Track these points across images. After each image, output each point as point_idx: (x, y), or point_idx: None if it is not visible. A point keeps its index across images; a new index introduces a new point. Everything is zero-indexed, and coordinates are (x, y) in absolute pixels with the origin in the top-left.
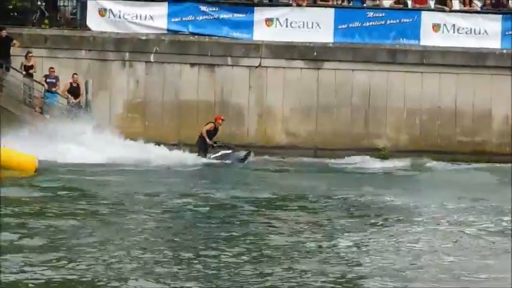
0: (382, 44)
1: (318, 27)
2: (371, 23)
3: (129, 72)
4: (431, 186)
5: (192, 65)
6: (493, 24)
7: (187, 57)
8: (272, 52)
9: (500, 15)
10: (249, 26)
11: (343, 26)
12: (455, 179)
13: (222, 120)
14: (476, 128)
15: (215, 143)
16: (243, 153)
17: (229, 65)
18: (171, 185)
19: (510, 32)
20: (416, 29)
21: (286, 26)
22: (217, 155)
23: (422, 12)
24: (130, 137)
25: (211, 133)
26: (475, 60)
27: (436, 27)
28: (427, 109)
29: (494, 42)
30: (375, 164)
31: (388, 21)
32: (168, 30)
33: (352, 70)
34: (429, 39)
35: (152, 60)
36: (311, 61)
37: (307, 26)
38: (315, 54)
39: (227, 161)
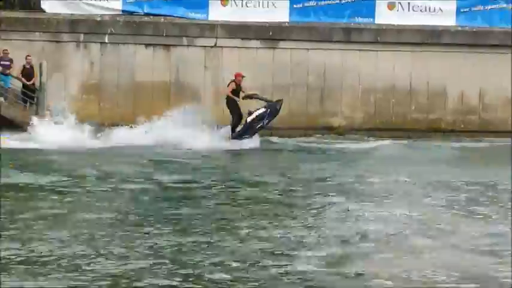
0: (337, 23)
1: (274, 6)
2: (326, 2)
3: (84, 53)
4: (383, 163)
5: (147, 45)
6: (448, 1)
7: (142, 37)
8: (227, 32)
9: None
10: (204, 6)
11: (298, 5)
12: (408, 155)
13: (242, 76)
14: (431, 106)
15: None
16: (276, 104)
17: (184, 45)
18: None
19: (465, 9)
20: (371, 7)
21: (242, 6)
22: (253, 117)
23: None
24: (85, 118)
25: (236, 92)
26: (429, 38)
27: (390, 5)
28: (382, 87)
29: (449, 20)
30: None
31: (343, 0)
32: (123, 11)
33: (308, 49)
34: (384, 17)
35: (107, 41)
36: (267, 41)
37: (262, 5)
38: (271, 33)
39: (264, 122)
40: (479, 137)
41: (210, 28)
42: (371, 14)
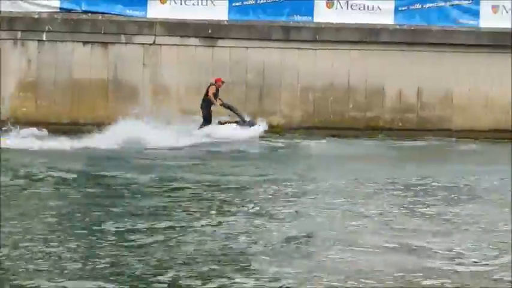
0: (276, 22)
1: (213, 4)
2: (265, 0)
3: (21, 51)
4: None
5: (85, 43)
6: (386, 0)
7: (80, 35)
8: (166, 30)
9: None
10: (142, 3)
11: (237, 4)
12: (343, 152)
13: (222, 82)
14: (369, 104)
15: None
16: (248, 123)
17: (122, 43)
18: None
19: (403, 8)
20: (309, 5)
21: (181, 4)
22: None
23: None
24: (22, 116)
25: (216, 95)
26: (368, 36)
27: (329, 3)
28: (320, 86)
29: (387, 18)
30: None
31: None
32: (60, 8)
33: (247, 48)
34: (323, 16)
35: (45, 39)
36: (206, 39)
37: (201, 3)
38: (210, 31)
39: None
40: (417, 135)
41: (149, 26)
42: (310, 12)
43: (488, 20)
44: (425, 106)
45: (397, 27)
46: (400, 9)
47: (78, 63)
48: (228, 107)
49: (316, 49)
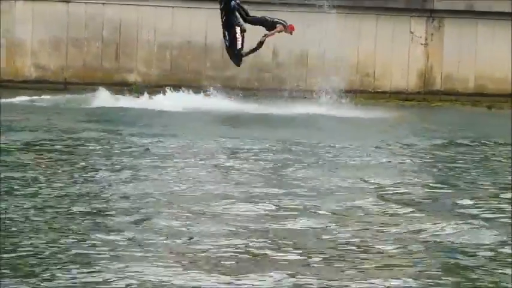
0: None
1: None
2: None
3: None
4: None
5: None
6: None
7: None
8: None
9: None
10: None
11: None
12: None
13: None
14: (226, 63)
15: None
16: None
17: None
18: None
19: None
20: None
21: None
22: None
23: None
24: None
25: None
26: None
27: None
28: (177, 44)
29: None
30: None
31: None
32: None
33: (103, 3)
34: None
35: None
36: None
37: None
38: None
39: None
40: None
41: None
42: None
43: None
44: (280, 66)
45: None
46: None
47: None
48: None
49: (173, 7)
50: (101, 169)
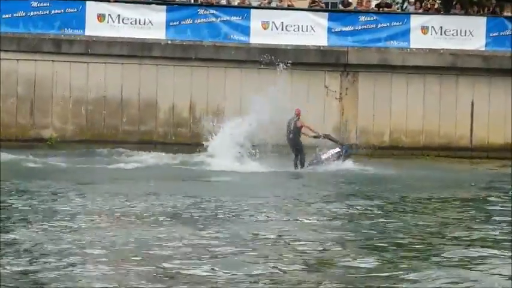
0: (47, 34)
1: None
2: (36, 13)
3: None
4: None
5: None
6: (159, 14)
7: None
8: None
9: (165, 6)
10: None
11: (7, 16)
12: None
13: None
14: (142, 118)
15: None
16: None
17: None
18: None
19: (175, 23)
20: (81, 19)
21: None
22: (327, 155)
23: (87, 2)
24: None
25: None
26: (140, 51)
27: (101, 17)
28: (93, 99)
29: (159, 33)
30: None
31: (53, 11)
32: None
33: (17, 60)
34: (94, 29)
35: None
36: None
37: None
38: None
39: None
40: (191, 149)
41: None
42: (81, 25)
43: (259, 36)
44: (197, 120)
45: (169, 42)
46: (171, 24)
47: None
48: (325, 136)
49: (88, 62)
50: None
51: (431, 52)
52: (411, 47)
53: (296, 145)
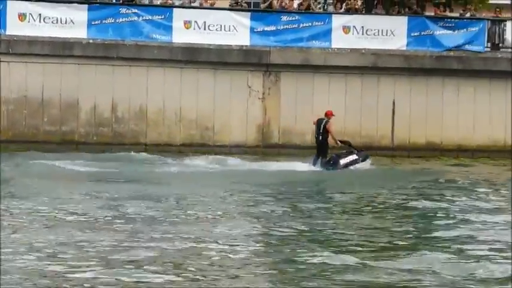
0: None
1: None
2: None
3: None
4: None
5: None
6: (80, 13)
7: None
8: None
9: (86, 5)
10: None
11: None
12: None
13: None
14: (64, 118)
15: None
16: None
17: None
18: None
19: (97, 22)
20: (2, 18)
21: None
22: (345, 161)
23: (8, 1)
24: None
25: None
26: (61, 50)
27: (22, 16)
28: (14, 98)
29: (80, 32)
30: None
31: None
32: None
33: None
34: (15, 28)
35: None
36: None
37: None
38: None
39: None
40: (111, 149)
41: None
42: (2, 25)
43: (181, 36)
44: (120, 120)
45: (91, 41)
46: (93, 23)
47: None
48: (344, 142)
49: (9, 62)
50: None
51: (353, 52)
52: (333, 46)
53: (322, 146)
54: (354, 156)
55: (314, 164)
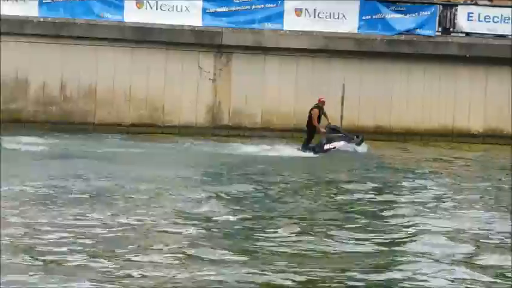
0: None
1: None
2: None
3: None
4: None
5: None
6: None
7: None
8: None
9: None
10: None
11: None
12: None
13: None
14: (13, 96)
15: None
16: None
17: None
18: None
19: (48, 0)
20: None
21: None
22: (329, 146)
23: None
24: None
25: (319, 118)
26: (12, 28)
27: None
28: None
29: (32, 10)
30: None
31: None
32: None
33: None
34: None
35: None
36: None
37: None
38: None
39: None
40: (60, 129)
41: None
42: None
43: (133, 15)
44: (68, 99)
45: (41, 19)
46: (44, 1)
47: None
48: (333, 129)
49: None
50: None
51: (305, 34)
52: (285, 29)
53: (308, 130)
54: (341, 143)
55: (303, 149)
